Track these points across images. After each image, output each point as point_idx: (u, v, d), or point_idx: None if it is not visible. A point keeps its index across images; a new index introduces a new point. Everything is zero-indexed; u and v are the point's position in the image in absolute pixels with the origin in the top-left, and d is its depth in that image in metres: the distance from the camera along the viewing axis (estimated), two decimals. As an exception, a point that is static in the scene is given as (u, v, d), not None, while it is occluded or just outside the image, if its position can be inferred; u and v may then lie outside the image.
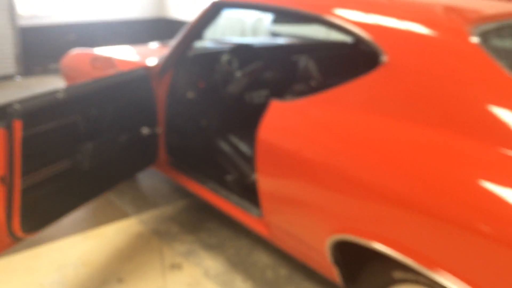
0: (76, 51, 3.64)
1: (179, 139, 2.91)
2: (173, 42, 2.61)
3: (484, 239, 1.25)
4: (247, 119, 2.58)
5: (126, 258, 2.54)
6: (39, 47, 6.94)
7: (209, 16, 2.39)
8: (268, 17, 5.45)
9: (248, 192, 2.43)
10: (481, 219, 1.26)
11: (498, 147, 1.32)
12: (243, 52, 2.90)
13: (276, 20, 3.55)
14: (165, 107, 2.75)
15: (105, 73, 2.59)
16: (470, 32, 1.52)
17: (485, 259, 1.27)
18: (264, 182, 2.02)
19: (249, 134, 2.31)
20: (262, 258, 2.55)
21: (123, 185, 3.33)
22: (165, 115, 2.76)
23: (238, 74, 2.76)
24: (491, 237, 1.24)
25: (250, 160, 2.49)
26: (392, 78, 1.58)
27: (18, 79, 6.65)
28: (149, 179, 3.50)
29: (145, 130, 2.58)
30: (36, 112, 1.95)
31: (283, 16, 2.80)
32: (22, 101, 1.90)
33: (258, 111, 2.30)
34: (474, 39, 1.50)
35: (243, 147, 2.64)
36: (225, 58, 2.80)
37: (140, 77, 2.57)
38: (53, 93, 2.05)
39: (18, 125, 1.85)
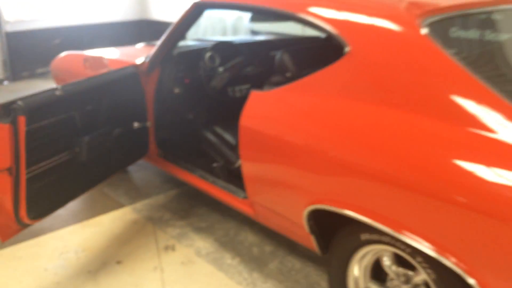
0: (66, 54, 3.83)
1: (167, 132, 3.12)
2: (159, 42, 2.82)
3: (438, 200, 1.47)
4: (231, 111, 2.79)
5: (123, 242, 2.75)
6: (26, 52, 7.08)
7: (191, 16, 2.61)
8: (247, 16, 5.67)
9: (234, 177, 2.65)
10: (437, 184, 1.48)
11: (446, 122, 1.55)
12: (224, 49, 3.11)
13: (253, 18, 3.77)
14: (153, 102, 2.96)
15: (97, 72, 2.78)
16: (421, 24, 1.76)
17: (436, 216, 1.50)
18: (247, 165, 2.24)
19: (233, 124, 2.52)
20: (248, 238, 2.77)
21: (117, 179, 3.54)
22: (154, 110, 2.97)
23: (220, 69, 2.99)
24: (446, 199, 1.46)
25: (234, 148, 2.71)
26: (354, 66, 1.81)
27: (6, 84, 6.78)
28: (140, 172, 3.71)
29: (136, 124, 2.78)
30: (38, 108, 2.14)
31: (260, 14, 3.02)
32: (24, 99, 2.09)
33: (241, 103, 2.52)
34: (424, 30, 1.73)
35: (228, 136, 2.86)
36: (207, 55, 3.01)
37: (130, 75, 2.77)
38: (52, 90, 2.25)
39: (22, 121, 2.05)
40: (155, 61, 2.87)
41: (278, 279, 2.40)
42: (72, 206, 3.14)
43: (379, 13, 1.87)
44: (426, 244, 1.53)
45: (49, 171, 2.26)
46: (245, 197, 2.43)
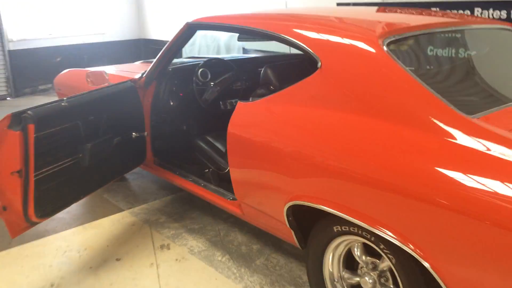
0: (68, 70, 4.10)
1: (163, 141, 3.37)
2: (155, 59, 3.09)
3: (398, 195, 1.70)
4: (221, 122, 3.04)
5: (122, 242, 2.98)
6: (28, 70, 7.37)
7: (184, 35, 2.88)
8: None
9: (224, 182, 2.90)
10: (396, 181, 1.71)
11: (401, 125, 1.80)
12: (215, 65, 3.39)
13: (240, 38, 4.08)
14: (150, 114, 3.21)
15: (99, 87, 3.04)
16: (382, 43, 2.02)
17: (397, 209, 1.73)
18: (234, 168, 2.48)
19: (223, 134, 2.77)
20: (238, 238, 3.01)
21: (116, 186, 3.78)
22: (150, 121, 3.22)
23: (211, 83, 3.25)
24: (405, 194, 1.68)
25: (224, 155, 2.96)
26: (324, 79, 2.07)
27: (9, 99, 7.05)
28: (138, 180, 3.95)
29: (134, 134, 3.03)
30: (45, 118, 2.39)
31: (246, 35, 3.30)
32: (33, 109, 2.34)
33: (230, 115, 2.77)
34: (384, 48, 2.00)
35: (218, 145, 3.11)
36: (199, 70, 3.28)
37: (128, 89, 3.04)
38: (58, 101, 2.51)
39: (31, 128, 2.29)
40: (151, 76, 3.14)
41: (263, 274, 2.63)
42: (74, 210, 3.38)
43: (346, 34, 2.14)
44: (390, 233, 1.77)
45: (55, 174, 2.50)
46: (234, 199, 2.66)
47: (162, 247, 2.92)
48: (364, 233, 1.91)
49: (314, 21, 2.41)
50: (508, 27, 2.64)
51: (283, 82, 2.56)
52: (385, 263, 1.95)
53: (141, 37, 8.82)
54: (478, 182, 1.50)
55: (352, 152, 1.88)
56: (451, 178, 1.57)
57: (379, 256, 1.99)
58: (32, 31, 7.41)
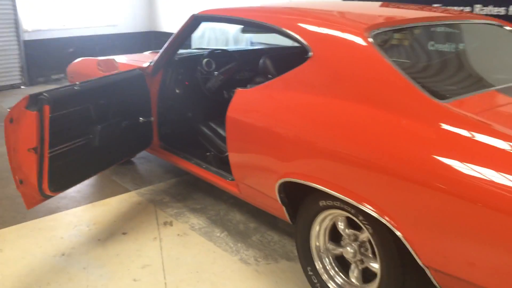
0: (81, 59, 4.32)
1: (168, 126, 3.58)
2: (162, 48, 3.29)
3: (376, 172, 1.89)
4: (224, 110, 3.24)
5: (128, 218, 3.20)
6: (42, 59, 7.62)
7: (190, 27, 3.08)
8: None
9: (224, 164, 3.10)
10: (374, 158, 1.89)
11: (383, 110, 1.98)
12: (219, 56, 3.59)
13: (244, 30, 4.29)
14: (157, 100, 3.42)
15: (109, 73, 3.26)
16: (368, 35, 2.20)
17: (375, 185, 1.92)
18: (233, 149, 2.68)
19: (225, 121, 2.96)
20: (236, 217, 3.22)
21: (123, 169, 4.01)
22: (157, 107, 3.43)
23: (215, 73, 3.45)
24: (382, 171, 1.87)
25: (225, 140, 3.15)
26: (315, 67, 2.26)
27: (23, 88, 7.31)
28: (145, 164, 4.17)
29: (141, 119, 3.25)
30: (60, 100, 2.60)
31: (248, 27, 3.50)
32: (49, 91, 2.56)
33: None
34: (370, 39, 2.18)
35: (220, 130, 3.31)
36: (204, 60, 3.48)
37: (136, 76, 3.25)
38: (72, 85, 2.72)
39: (47, 109, 2.50)
40: (158, 65, 3.35)
41: (258, 248, 2.84)
42: (84, 189, 3.61)
43: (337, 26, 2.33)
44: (369, 207, 1.95)
45: (68, 153, 2.72)
46: (233, 179, 2.86)
47: (165, 223, 3.13)
48: (346, 206, 2.10)
49: (309, 14, 2.60)
50: (494, 22, 2.81)
51: (280, 71, 2.74)
52: (365, 234, 2.15)
53: (152, 29, 9.04)
54: (442, 159, 1.69)
55: (337, 134, 2.07)
56: (421, 156, 1.75)
57: (360, 229, 2.19)
58: (47, 22, 7.66)
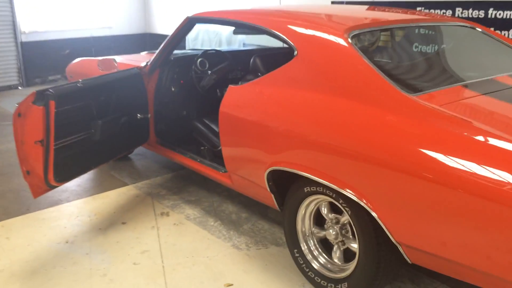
0: (79, 59, 4.51)
1: (165, 123, 3.77)
2: (158, 49, 3.49)
3: (356, 160, 2.09)
4: (217, 107, 3.44)
5: (127, 210, 3.39)
6: (38, 60, 7.79)
7: (185, 28, 3.28)
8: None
9: (217, 157, 3.30)
10: (354, 146, 2.09)
11: (360, 103, 2.19)
12: (212, 56, 3.79)
13: (236, 31, 4.51)
14: (153, 98, 3.62)
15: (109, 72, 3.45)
16: (347, 36, 2.41)
17: (354, 171, 2.12)
18: (225, 142, 2.88)
19: (217, 117, 3.15)
20: (229, 208, 3.42)
21: (121, 164, 4.20)
22: (154, 104, 3.63)
23: (209, 72, 3.65)
24: (361, 158, 2.07)
25: (218, 135, 3.35)
26: (300, 65, 2.47)
27: (20, 89, 7.47)
28: (142, 160, 4.37)
29: (138, 115, 3.44)
30: (64, 96, 2.79)
31: (239, 28, 3.71)
32: (54, 87, 2.75)
33: None
34: (349, 40, 2.39)
35: (214, 126, 3.51)
36: (198, 60, 3.68)
37: (134, 75, 3.44)
38: (75, 83, 2.91)
39: (52, 104, 2.69)
40: (155, 64, 3.55)
41: (249, 235, 3.04)
42: (84, 184, 3.80)
43: (319, 27, 2.54)
44: (349, 191, 2.16)
45: (71, 145, 2.91)
46: (225, 171, 3.06)
47: (162, 214, 3.32)
48: (328, 191, 2.31)
49: (295, 17, 2.81)
50: (467, 24, 3.03)
51: (269, 69, 2.95)
52: (345, 217, 2.35)
53: (147, 31, 9.23)
54: (411, 146, 1.90)
55: (320, 125, 2.28)
56: (391, 143, 1.96)
57: (341, 213, 2.39)
58: (43, 24, 7.83)
